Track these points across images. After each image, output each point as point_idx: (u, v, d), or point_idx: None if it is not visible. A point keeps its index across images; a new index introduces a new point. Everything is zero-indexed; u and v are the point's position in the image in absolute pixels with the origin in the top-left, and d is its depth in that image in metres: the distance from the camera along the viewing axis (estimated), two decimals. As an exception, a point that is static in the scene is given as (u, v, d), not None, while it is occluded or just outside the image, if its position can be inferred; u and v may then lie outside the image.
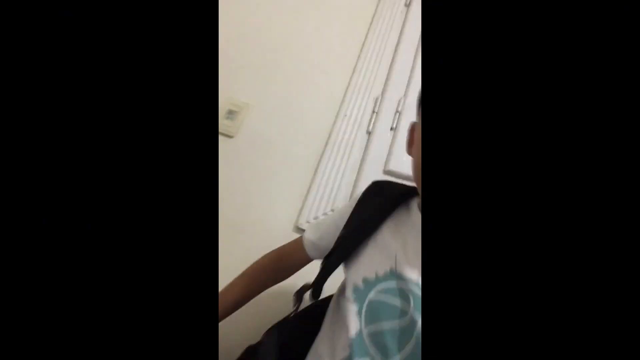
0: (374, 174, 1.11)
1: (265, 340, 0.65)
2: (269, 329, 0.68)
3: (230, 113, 1.15)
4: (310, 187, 1.12)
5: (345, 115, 1.19)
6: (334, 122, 1.19)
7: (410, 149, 0.59)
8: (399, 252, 0.51)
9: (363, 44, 1.31)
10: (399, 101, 1.21)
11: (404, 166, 1.11)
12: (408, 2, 1.38)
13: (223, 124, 1.13)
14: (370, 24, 1.35)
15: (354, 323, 0.49)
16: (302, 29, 1.31)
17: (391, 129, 1.18)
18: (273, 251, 0.76)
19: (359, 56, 1.29)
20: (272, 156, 1.15)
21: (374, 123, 1.18)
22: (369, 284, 0.51)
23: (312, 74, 1.26)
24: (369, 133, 1.17)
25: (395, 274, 0.49)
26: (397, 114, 1.20)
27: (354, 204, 0.65)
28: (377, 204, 0.60)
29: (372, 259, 0.54)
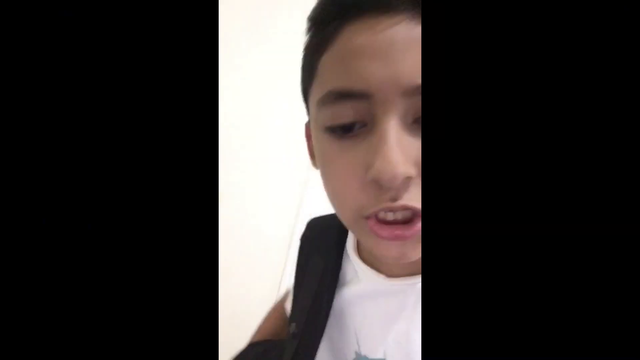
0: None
1: None
2: None
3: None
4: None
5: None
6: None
7: (314, 161, 0.39)
8: (359, 327, 0.43)
9: None
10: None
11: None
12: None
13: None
14: None
15: None
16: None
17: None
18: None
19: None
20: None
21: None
22: None
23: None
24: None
25: (361, 357, 0.42)
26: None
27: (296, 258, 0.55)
28: (318, 265, 0.50)
29: (338, 343, 0.45)
